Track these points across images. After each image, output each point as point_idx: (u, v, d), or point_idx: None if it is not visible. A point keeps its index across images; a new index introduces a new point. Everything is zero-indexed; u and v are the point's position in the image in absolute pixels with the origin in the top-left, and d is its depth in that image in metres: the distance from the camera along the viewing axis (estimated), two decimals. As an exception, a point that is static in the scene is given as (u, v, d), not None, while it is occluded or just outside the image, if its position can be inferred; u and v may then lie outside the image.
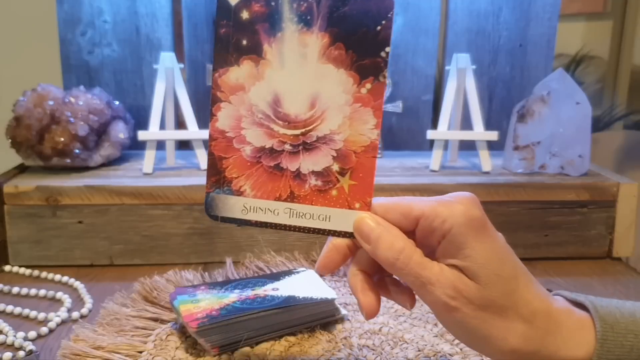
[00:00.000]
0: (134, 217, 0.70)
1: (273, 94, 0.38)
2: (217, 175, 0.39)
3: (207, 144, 0.78)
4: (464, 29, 0.90)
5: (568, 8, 1.94)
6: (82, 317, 0.58)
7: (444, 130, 0.78)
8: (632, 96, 1.91)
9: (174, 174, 0.76)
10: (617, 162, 1.42)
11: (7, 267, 0.69)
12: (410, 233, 0.38)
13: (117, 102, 0.82)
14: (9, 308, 0.59)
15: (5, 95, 0.81)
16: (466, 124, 0.80)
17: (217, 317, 0.50)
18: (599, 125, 1.71)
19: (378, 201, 0.38)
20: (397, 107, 0.83)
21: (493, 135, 0.78)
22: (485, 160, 0.78)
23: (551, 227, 0.73)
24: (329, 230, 0.39)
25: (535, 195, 0.73)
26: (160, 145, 0.79)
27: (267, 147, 0.38)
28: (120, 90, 0.88)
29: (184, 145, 0.85)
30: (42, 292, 0.63)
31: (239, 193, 0.39)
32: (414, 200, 0.38)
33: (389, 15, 0.36)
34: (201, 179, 0.72)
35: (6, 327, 0.55)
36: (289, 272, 0.59)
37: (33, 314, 0.58)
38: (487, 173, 0.77)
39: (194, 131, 0.77)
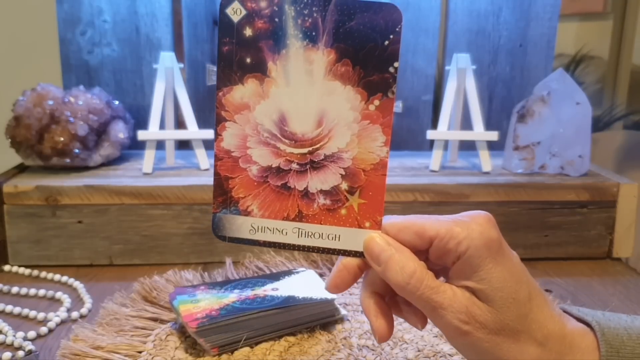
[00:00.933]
0: (134, 217, 0.70)
1: (279, 112, 0.37)
2: (223, 196, 0.38)
3: (207, 143, 0.78)
4: (464, 29, 0.90)
5: (568, 8, 1.94)
6: (81, 317, 0.58)
7: (444, 130, 0.78)
8: (632, 96, 1.91)
9: (173, 173, 0.75)
10: (617, 162, 1.42)
11: (6, 267, 0.69)
12: (422, 252, 0.37)
13: (116, 102, 0.82)
14: (9, 308, 0.59)
15: (5, 94, 0.81)
16: (466, 124, 0.80)
17: (216, 317, 0.50)
18: (599, 125, 1.71)
19: (390, 220, 0.37)
20: (397, 107, 0.83)
21: (493, 136, 0.78)
22: (485, 160, 0.78)
23: (551, 228, 0.73)
24: (339, 250, 0.38)
25: (535, 195, 0.73)
26: (160, 145, 0.79)
27: (273, 166, 0.38)
28: (120, 90, 0.88)
29: (183, 145, 0.85)
30: (42, 292, 0.63)
31: (247, 213, 0.38)
32: (427, 220, 0.37)
33: (397, 29, 0.35)
34: (201, 179, 0.72)
35: (6, 327, 0.55)
36: (288, 272, 0.59)
37: (32, 313, 0.58)
38: (487, 173, 0.77)
39: (193, 131, 0.77)
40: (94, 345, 0.50)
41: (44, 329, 0.55)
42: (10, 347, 0.53)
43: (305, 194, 0.38)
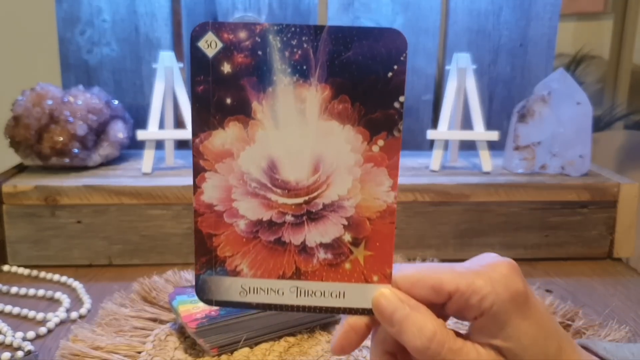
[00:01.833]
0: (133, 217, 0.69)
1: (267, 158, 0.32)
2: (207, 255, 0.34)
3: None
4: (464, 28, 0.90)
5: (568, 8, 1.94)
6: (80, 317, 0.58)
7: (444, 130, 0.78)
8: (632, 96, 1.91)
9: (173, 173, 0.75)
10: (617, 162, 1.42)
11: (5, 267, 0.69)
12: (437, 305, 0.33)
13: (116, 102, 0.82)
14: (8, 308, 0.59)
15: (4, 94, 0.81)
16: (466, 124, 0.80)
17: (216, 318, 0.50)
18: (599, 125, 1.71)
19: (401, 272, 0.33)
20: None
21: (493, 136, 0.78)
22: (486, 160, 0.78)
23: (552, 228, 0.73)
24: (344, 309, 0.34)
25: (535, 195, 0.72)
26: (160, 144, 0.79)
27: (264, 219, 0.33)
28: (120, 89, 0.88)
29: (183, 145, 0.85)
30: (41, 292, 0.63)
31: (235, 273, 0.34)
32: (444, 271, 0.32)
33: (402, 57, 0.31)
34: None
35: (5, 327, 0.55)
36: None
37: (32, 314, 0.58)
38: (487, 173, 0.77)
39: (193, 131, 0.77)
40: (93, 346, 0.50)
41: (43, 329, 0.55)
42: (10, 347, 0.53)
43: (303, 248, 0.34)
